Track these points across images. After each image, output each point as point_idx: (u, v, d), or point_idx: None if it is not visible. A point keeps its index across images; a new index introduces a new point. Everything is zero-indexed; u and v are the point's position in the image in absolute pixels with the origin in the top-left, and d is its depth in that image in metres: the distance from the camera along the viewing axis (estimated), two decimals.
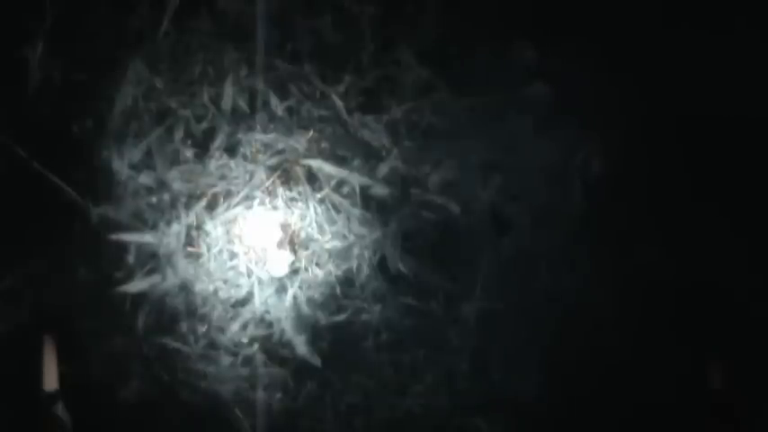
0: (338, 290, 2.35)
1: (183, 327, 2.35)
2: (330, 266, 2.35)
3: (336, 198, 2.35)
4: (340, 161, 2.36)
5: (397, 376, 2.38)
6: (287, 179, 2.37)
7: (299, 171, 2.37)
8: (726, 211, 2.41)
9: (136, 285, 2.34)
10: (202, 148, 2.36)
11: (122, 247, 2.34)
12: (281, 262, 2.35)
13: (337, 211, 2.35)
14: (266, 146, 2.36)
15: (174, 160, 2.35)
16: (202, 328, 2.34)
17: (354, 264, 2.34)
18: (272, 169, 2.37)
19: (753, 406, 2.39)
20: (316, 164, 2.35)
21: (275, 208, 2.37)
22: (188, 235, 2.34)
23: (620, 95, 2.40)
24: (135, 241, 2.34)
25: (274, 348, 2.36)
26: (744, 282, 2.39)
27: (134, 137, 2.34)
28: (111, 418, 2.36)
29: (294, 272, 2.35)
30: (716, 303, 2.39)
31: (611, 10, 2.42)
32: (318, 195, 2.35)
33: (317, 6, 2.39)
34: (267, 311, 2.35)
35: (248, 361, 2.35)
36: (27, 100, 2.36)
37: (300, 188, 2.36)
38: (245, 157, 2.36)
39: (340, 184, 2.36)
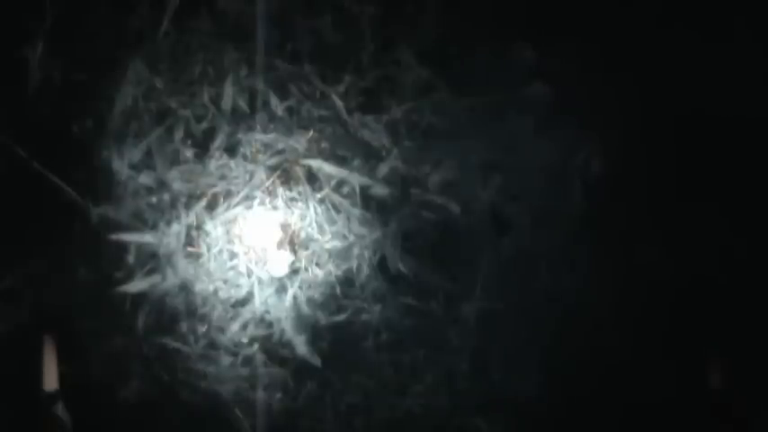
0: (338, 290, 2.35)
1: (183, 327, 2.35)
2: (330, 266, 2.35)
3: (336, 198, 2.35)
4: (340, 161, 2.36)
5: (397, 376, 2.38)
6: (287, 179, 2.38)
7: (299, 171, 2.37)
8: (725, 211, 2.41)
9: (136, 285, 2.34)
10: (202, 148, 2.36)
11: (122, 247, 2.34)
12: (281, 262, 2.35)
13: (337, 211, 2.35)
14: (266, 146, 2.36)
15: (174, 160, 2.35)
16: (202, 328, 2.34)
17: (354, 264, 2.34)
18: (272, 169, 2.37)
19: (753, 406, 2.39)
20: (316, 164, 2.35)
21: (275, 208, 2.37)
22: (188, 235, 2.34)
23: (619, 95, 2.40)
24: (135, 241, 2.34)
25: (274, 348, 2.36)
26: (744, 281, 2.39)
27: (134, 137, 2.34)
28: (111, 418, 2.36)
29: (294, 272, 2.35)
30: (716, 303, 2.39)
31: (611, 10, 2.42)
32: (318, 195, 2.35)
33: (317, 6, 2.39)
34: (267, 311, 2.35)
35: (248, 361, 2.35)
36: (27, 100, 2.36)
37: (300, 188, 2.36)
38: (245, 157, 2.36)
39: (340, 184, 2.36)
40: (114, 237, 2.33)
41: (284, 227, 2.37)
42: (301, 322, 2.34)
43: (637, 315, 2.38)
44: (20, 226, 2.36)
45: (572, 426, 2.38)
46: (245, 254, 2.35)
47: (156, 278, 2.33)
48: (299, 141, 2.36)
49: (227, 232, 2.35)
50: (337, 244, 2.35)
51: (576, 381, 2.36)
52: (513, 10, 2.41)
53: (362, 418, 2.38)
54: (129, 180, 2.33)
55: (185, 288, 2.33)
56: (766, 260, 2.40)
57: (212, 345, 2.35)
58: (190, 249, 2.35)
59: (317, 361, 2.34)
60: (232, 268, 2.35)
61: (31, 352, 2.35)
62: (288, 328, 2.34)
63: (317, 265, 2.36)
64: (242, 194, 2.35)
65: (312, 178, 2.37)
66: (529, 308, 2.37)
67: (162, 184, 2.34)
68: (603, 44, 2.40)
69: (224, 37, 2.38)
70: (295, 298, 2.34)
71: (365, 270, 2.34)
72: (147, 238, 2.33)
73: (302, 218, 2.36)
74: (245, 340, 2.35)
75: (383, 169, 2.35)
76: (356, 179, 2.34)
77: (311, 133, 2.37)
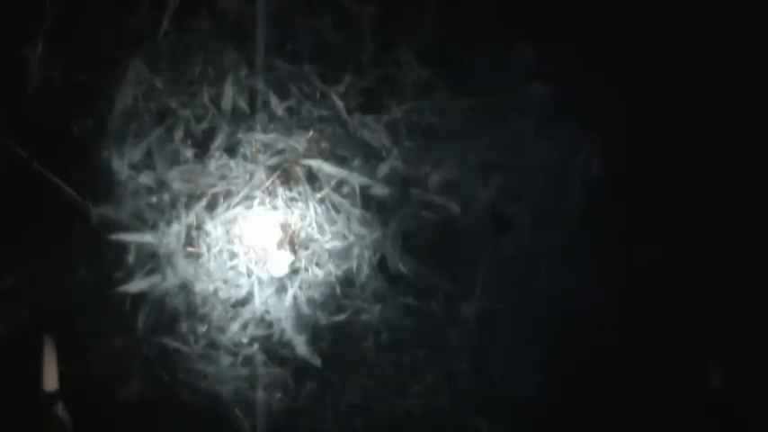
0: (338, 290, 2.35)
1: (183, 327, 2.35)
2: (330, 266, 2.35)
3: (336, 198, 2.35)
4: (340, 161, 2.36)
5: (397, 376, 2.38)
6: (287, 179, 2.38)
7: (299, 171, 2.37)
8: (725, 211, 2.41)
9: (136, 285, 2.34)
10: (202, 148, 2.36)
11: (122, 247, 2.34)
12: (281, 262, 2.35)
13: (337, 211, 2.35)
14: (266, 146, 2.36)
15: (174, 160, 2.35)
16: (202, 328, 2.34)
17: (354, 264, 2.34)
18: (272, 169, 2.37)
19: (753, 406, 2.39)
20: (316, 164, 2.35)
21: (275, 208, 2.37)
22: (188, 235, 2.34)
23: (619, 95, 2.40)
24: (135, 241, 2.34)
25: (274, 348, 2.36)
26: (744, 281, 2.39)
27: (134, 137, 2.34)
28: (111, 418, 2.36)
29: (294, 272, 2.35)
30: (716, 303, 2.39)
31: (611, 10, 2.42)
32: (318, 195, 2.35)
33: (317, 6, 2.39)
34: (267, 311, 2.35)
35: (248, 361, 2.35)
36: (27, 100, 2.36)
37: (300, 188, 2.36)
38: (245, 157, 2.36)
39: (340, 184, 2.36)
40: (114, 237, 2.33)
41: (284, 227, 2.37)
42: (301, 322, 2.34)
43: (637, 315, 2.38)
44: (20, 226, 2.36)
45: (572, 426, 2.38)
46: (245, 254, 2.35)
47: (156, 278, 2.33)
48: (299, 141, 2.36)
49: (227, 232, 2.35)
50: (337, 244, 2.35)
51: (575, 381, 2.36)
52: (514, 10, 2.41)
53: (362, 418, 2.38)
54: (129, 180, 2.33)
55: (185, 288, 2.33)
56: (766, 260, 2.40)
57: (212, 345, 2.35)
58: (190, 249, 2.35)
59: (317, 361, 2.34)
60: (232, 268, 2.35)
61: (31, 352, 2.35)
62: (288, 328, 2.34)
63: (317, 265, 2.36)
64: (242, 194, 2.35)
65: (312, 178, 2.37)
66: (529, 308, 2.37)
67: (162, 184, 2.34)
68: (603, 44, 2.40)
69: (224, 37, 2.38)
70: (295, 298, 2.34)
71: (365, 270, 2.34)
72: (147, 238, 2.33)
73: (302, 218, 2.36)
74: (245, 340, 2.35)
75: (383, 169, 2.35)
76: (356, 179, 2.34)
77: (311, 133, 2.37)
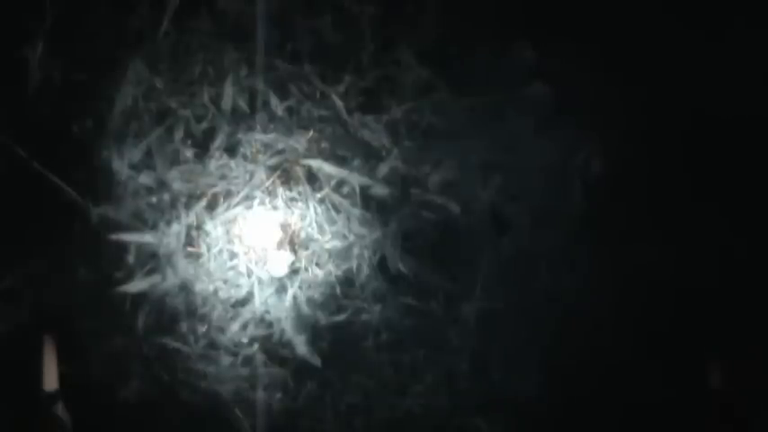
0: (338, 290, 2.35)
1: (183, 327, 2.35)
2: (330, 266, 2.35)
3: (336, 198, 2.35)
4: (340, 161, 2.36)
5: (397, 376, 2.38)
6: (287, 179, 2.37)
7: (299, 171, 2.37)
8: (726, 211, 2.41)
9: (136, 285, 2.34)
10: (202, 148, 2.36)
11: (122, 247, 2.34)
12: (281, 262, 2.35)
13: (337, 211, 2.35)
14: (266, 146, 2.36)
15: (174, 160, 2.35)
16: (202, 328, 2.34)
17: (354, 264, 2.34)
18: (272, 169, 2.37)
19: (753, 406, 2.39)
20: (316, 164, 2.35)
21: (275, 208, 2.37)
22: (188, 235, 2.34)
23: (619, 95, 2.40)
24: (135, 241, 2.34)
25: (274, 348, 2.36)
26: (744, 281, 2.39)
27: (134, 137, 2.34)
28: (111, 418, 2.36)
29: (294, 272, 2.35)
30: (716, 303, 2.39)
31: (611, 10, 2.42)
32: (318, 195, 2.35)
33: (317, 6, 2.39)
34: (267, 311, 2.35)
35: (248, 361, 2.35)
36: (27, 100, 2.36)
37: (300, 188, 2.36)
38: (245, 157, 2.36)
39: (340, 184, 2.36)
40: (114, 237, 2.33)
41: (284, 227, 2.37)
42: (301, 322, 2.34)
43: (637, 315, 2.38)
44: (20, 226, 2.36)
45: (572, 426, 2.38)
46: (245, 254, 2.35)
47: (156, 278, 2.33)
48: (299, 141, 2.36)
49: (227, 232, 2.35)
50: (337, 244, 2.35)
51: (576, 381, 2.36)
52: (513, 10, 2.41)
53: (362, 418, 2.38)
54: (129, 180, 2.33)
55: (185, 288, 2.33)
56: (766, 260, 2.40)
57: (212, 345, 2.35)
58: (190, 249, 2.35)
59: (317, 361, 2.34)
60: (232, 268, 2.35)
61: (31, 352, 2.35)
62: (288, 328, 2.34)
63: (317, 265, 2.36)
64: (242, 194, 2.35)
65: (312, 178, 2.37)
66: (529, 308, 2.37)
67: (162, 184, 2.34)
68: (603, 44, 2.40)
69: (224, 37, 2.38)
70: (295, 298, 2.34)
71: (365, 270, 2.34)
72: (147, 238, 2.33)
73: (302, 218, 2.36)
74: (245, 340, 2.35)
75: (383, 169, 2.35)
76: (356, 179, 2.34)
77: (311, 133, 2.37)
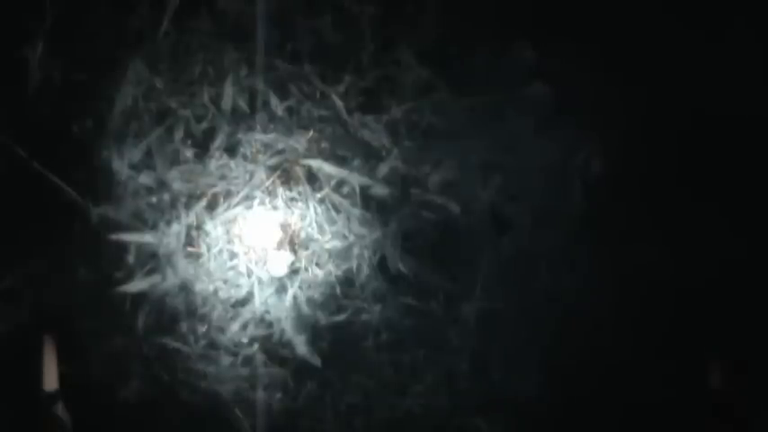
0: (338, 290, 2.35)
1: (183, 327, 2.35)
2: (330, 266, 2.35)
3: (336, 198, 2.35)
4: (340, 161, 2.36)
5: (397, 376, 2.38)
6: (287, 179, 2.38)
7: (299, 171, 2.37)
8: (726, 211, 2.41)
9: (136, 285, 2.34)
10: (202, 148, 2.36)
11: (122, 247, 2.34)
12: (281, 262, 2.35)
13: (337, 211, 2.35)
14: (266, 146, 2.36)
15: (174, 160, 2.35)
16: (202, 328, 2.34)
17: (354, 264, 2.34)
18: (272, 169, 2.37)
19: (753, 406, 2.39)
20: (316, 164, 2.35)
21: (275, 208, 2.37)
22: (188, 235, 2.34)
23: (620, 95, 2.40)
24: (135, 241, 2.34)
25: (274, 348, 2.36)
26: (744, 282, 2.39)
27: (134, 137, 2.34)
28: (111, 418, 2.36)
29: (294, 272, 2.35)
30: (716, 303, 2.39)
31: (611, 10, 2.42)
32: (318, 195, 2.35)
33: (317, 6, 2.39)
34: (267, 311, 2.35)
35: (248, 361, 2.35)
36: (27, 100, 2.36)
37: (300, 188, 2.36)
38: (245, 157, 2.36)
39: (340, 184, 2.36)
40: (114, 237, 2.33)
41: (284, 227, 2.37)
42: (301, 322, 2.34)
43: (637, 315, 2.38)
44: (20, 226, 2.36)
45: (572, 426, 2.38)
46: (245, 254, 2.35)
47: (156, 278, 2.33)
48: (299, 141, 2.36)
49: (227, 232, 2.35)
50: (337, 244, 2.35)
51: (576, 381, 2.36)
52: (513, 10, 2.41)
53: (362, 418, 2.38)
54: (129, 180, 2.33)
55: (185, 288, 2.33)
56: (766, 260, 2.40)
57: (212, 345, 2.35)
58: (190, 249, 2.35)
59: (317, 361, 2.34)
60: (232, 268, 2.35)
61: (31, 352, 2.35)
62: (288, 328, 2.34)
63: (317, 265, 2.36)
64: (242, 194, 2.35)
65: (312, 178, 2.37)
66: (529, 308, 2.37)
67: (162, 184, 2.34)
68: (603, 44, 2.40)
69: (224, 37, 2.38)
70: (295, 298, 2.34)
71: (365, 270, 2.34)
72: (147, 238, 2.33)
73: (302, 218, 2.36)
74: (245, 340, 2.35)
75: (383, 169, 2.35)
76: (356, 179, 2.34)
77: (311, 133, 2.37)
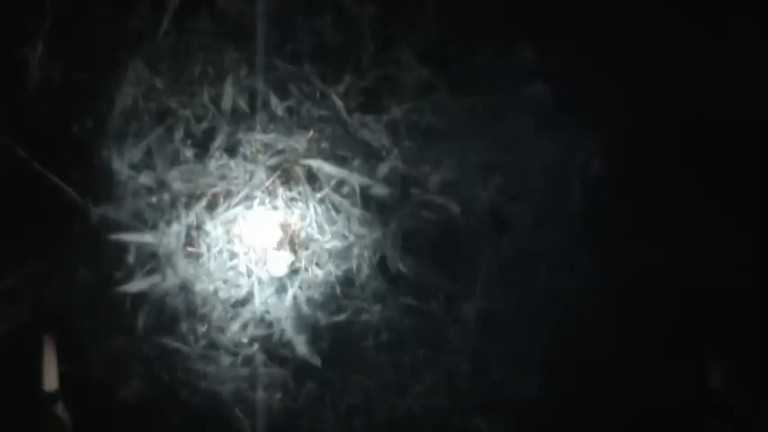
0: (338, 290, 2.35)
1: (183, 327, 2.35)
2: (330, 266, 2.35)
3: (336, 198, 2.35)
4: (340, 161, 2.36)
5: (397, 376, 2.38)
6: (287, 179, 2.38)
7: (299, 171, 2.37)
8: (726, 211, 2.41)
9: (136, 285, 2.34)
10: (202, 148, 2.36)
11: (122, 247, 2.34)
12: (281, 262, 2.35)
13: (337, 211, 2.35)
14: (266, 146, 2.36)
15: (174, 160, 2.35)
16: (202, 328, 2.34)
17: (354, 264, 2.34)
18: (272, 169, 2.37)
19: (753, 406, 2.39)
20: (316, 164, 2.35)
21: (275, 208, 2.37)
22: (188, 235, 2.34)
23: (619, 95, 2.40)
24: (135, 241, 2.34)
25: (274, 348, 2.36)
26: (744, 282, 2.39)
27: (134, 137, 2.34)
28: (111, 418, 2.36)
29: (294, 272, 2.35)
30: (716, 303, 2.39)
31: (611, 10, 2.42)
32: (318, 195, 2.35)
33: (317, 6, 2.39)
34: (267, 311, 2.35)
35: (248, 361, 2.35)
36: (27, 100, 2.36)
37: (300, 188, 2.36)
38: (245, 157, 2.36)
39: (340, 184, 2.36)
40: (114, 237, 2.33)
41: (284, 227, 2.37)
42: (301, 322, 2.34)
43: (637, 315, 2.38)
44: (20, 226, 2.36)
45: (572, 426, 2.38)
46: (245, 254, 2.35)
47: (156, 278, 2.33)
48: (299, 141, 2.36)
49: (227, 232, 2.35)
50: (337, 244, 2.35)
51: (576, 381, 2.36)
52: (514, 10, 2.41)
53: (362, 418, 2.38)
54: (129, 180, 2.33)
55: (185, 288, 2.33)
56: (766, 260, 2.40)
57: (212, 345, 2.35)
58: (190, 249, 2.35)
59: (317, 361, 2.34)
60: (232, 268, 2.35)
61: (31, 352, 2.35)
62: (288, 328, 2.34)
63: (317, 265, 2.36)
64: (242, 194, 2.35)
65: (312, 178, 2.37)
66: (529, 308, 2.37)
67: (162, 184, 2.34)
68: (603, 44, 2.40)
69: (224, 37, 2.38)
70: (295, 298, 2.34)
71: (365, 270, 2.34)
72: (147, 238, 2.33)
73: (302, 218, 2.36)
74: (245, 340, 2.35)
75: (383, 169, 2.35)
76: (356, 179, 2.34)
77: (311, 133, 2.37)
